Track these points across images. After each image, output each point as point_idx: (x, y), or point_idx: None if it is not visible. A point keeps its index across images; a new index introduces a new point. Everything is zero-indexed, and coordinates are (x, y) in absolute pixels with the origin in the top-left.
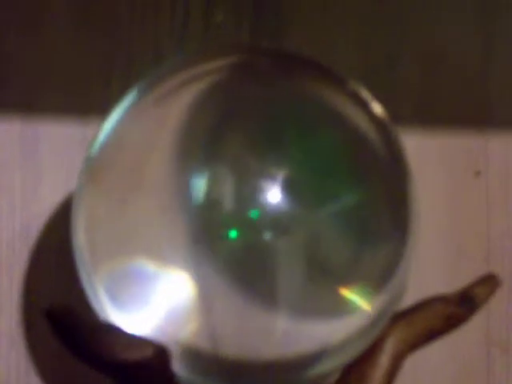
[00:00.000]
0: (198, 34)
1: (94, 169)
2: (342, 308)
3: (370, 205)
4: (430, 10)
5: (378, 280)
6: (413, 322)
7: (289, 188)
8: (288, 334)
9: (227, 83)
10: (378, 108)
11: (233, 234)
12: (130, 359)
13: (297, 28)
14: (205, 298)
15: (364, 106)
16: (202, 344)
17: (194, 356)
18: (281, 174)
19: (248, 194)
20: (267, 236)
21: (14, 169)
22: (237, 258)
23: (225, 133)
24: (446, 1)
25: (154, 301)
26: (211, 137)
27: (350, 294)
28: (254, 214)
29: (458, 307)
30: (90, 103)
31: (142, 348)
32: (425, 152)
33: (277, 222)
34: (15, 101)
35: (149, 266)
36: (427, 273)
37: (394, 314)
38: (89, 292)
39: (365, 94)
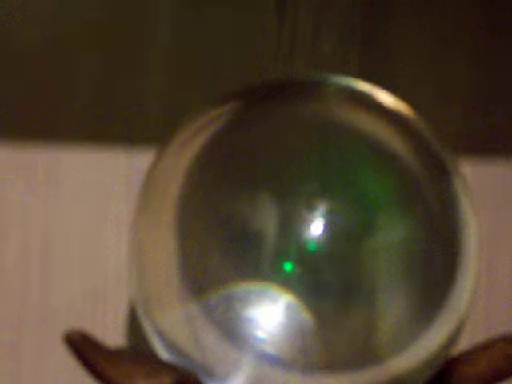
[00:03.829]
0: (304, 65)
1: (142, 201)
2: (394, 345)
3: (417, 239)
4: None
5: (427, 316)
6: (476, 361)
7: (333, 220)
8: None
9: (269, 113)
10: (427, 135)
11: (288, 266)
12: None
13: (405, 61)
14: (267, 333)
15: (413, 136)
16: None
17: None
18: (325, 206)
19: (297, 226)
20: (323, 268)
21: (120, 200)
22: (293, 291)
23: (270, 162)
24: None
25: (210, 342)
26: (254, 166)
27: (400, 332)
28: (311, 246)
29: None
30: None
31: (162, 377)
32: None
33: (331, 253)
34: (119, 133)
35: (204, 305)
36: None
37: (459, 353)
38: (149, 338)
39: (415, 122)
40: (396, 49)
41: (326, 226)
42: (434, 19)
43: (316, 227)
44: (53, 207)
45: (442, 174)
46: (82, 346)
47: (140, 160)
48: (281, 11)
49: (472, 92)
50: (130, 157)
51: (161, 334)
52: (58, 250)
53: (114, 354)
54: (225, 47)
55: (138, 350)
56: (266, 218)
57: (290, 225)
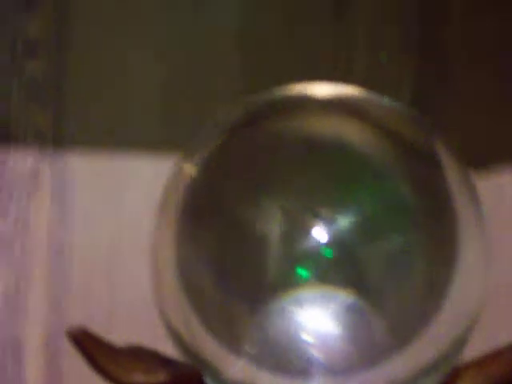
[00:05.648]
0: (361, 73)
1: (160, 207)
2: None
3: (418, 246)
4: None
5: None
6: (484, 368)
7: (337, 227)
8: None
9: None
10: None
11: (303, 272)
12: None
13: (463, 69)
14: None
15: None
16: None
17: None
18: (330, 214)
19: (308, 233)
20: (338, 273)
21: None
22: (310, 296)
23: (273, 173)
24: None
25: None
26: (259, 176)
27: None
28: (327, 252)
29: None
30: None
31: (160, 372)
32: None
33: (346, 259)
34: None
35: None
36: None
37: (467, 362)
38: None
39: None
40: (453, 59)
41: (330, 232)
42: (494, 25)
43: (321, 234)
44: (121, 213)
45: (434, 175)
46: (84, 342)
47: None
48: (338, 19)
49: None
50: None
51: (178, 339)
52: (126, 250)
53: (115, 350)
54: (283, 58)
55: (140, 347)
56: (273, 224)
57: (297, 232)
